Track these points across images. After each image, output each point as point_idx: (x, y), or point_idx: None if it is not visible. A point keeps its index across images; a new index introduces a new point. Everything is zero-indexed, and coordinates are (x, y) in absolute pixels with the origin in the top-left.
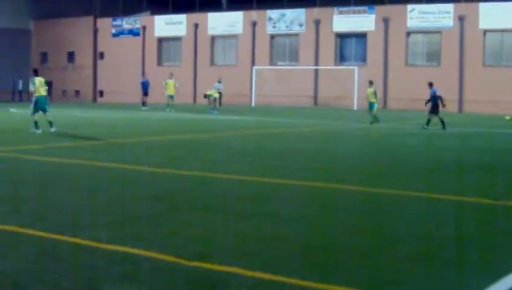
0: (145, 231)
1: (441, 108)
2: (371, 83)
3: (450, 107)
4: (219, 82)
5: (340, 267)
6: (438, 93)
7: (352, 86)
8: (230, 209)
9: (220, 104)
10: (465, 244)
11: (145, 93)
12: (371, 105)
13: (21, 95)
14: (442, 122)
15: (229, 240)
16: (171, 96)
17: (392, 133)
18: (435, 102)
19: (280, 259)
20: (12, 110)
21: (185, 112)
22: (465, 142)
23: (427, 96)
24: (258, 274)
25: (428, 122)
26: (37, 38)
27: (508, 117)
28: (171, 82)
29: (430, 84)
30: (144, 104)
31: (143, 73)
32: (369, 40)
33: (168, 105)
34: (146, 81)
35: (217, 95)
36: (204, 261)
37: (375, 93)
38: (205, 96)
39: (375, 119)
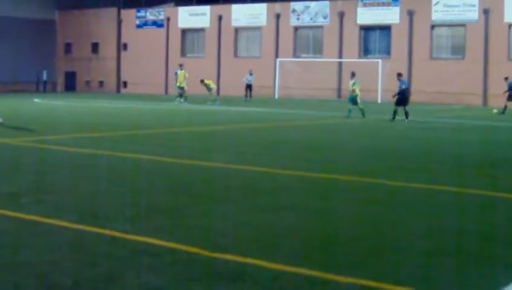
0: (167, 223)
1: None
2: (353, 74)
3: (474, 101)
4: (250, 74)
5: (363, 261)
6: (406, 86)
7: (376, 79)
8: (252, 201)
9: (251, 95)
10: (492, 240)
11: None
12: (353, 98)
13: (45, 86)
14: (397, 114)
15: (250, 232)
16: (181, 88)
17: (416, 126)
18: (403, 94)
19: (301, 251)
20: (36, 100)
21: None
22: (489, 136)
23: (450, 89)
24: (279, 266)
25: (394, 113)
26: (62, 29)
27: (495, 110)
28: (181, 73)
29: (399, 75)
30: (181, 95)
31: (166, 64)
32: (394, 32)
33: (181, 96)
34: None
35: (213, 86)
36: (226, 252)
37: (355, 85)
38: (202, 81)
39: (363, 113)
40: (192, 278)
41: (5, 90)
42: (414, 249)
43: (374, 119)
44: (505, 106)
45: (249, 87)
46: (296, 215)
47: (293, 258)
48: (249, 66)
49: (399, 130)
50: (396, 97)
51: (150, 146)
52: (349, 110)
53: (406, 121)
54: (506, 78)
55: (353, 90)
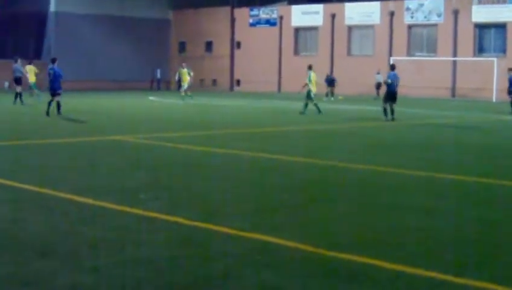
0: (283, 221)
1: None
2: (309, 67)
3: None
4: (378, 73)
5: (482, 262)
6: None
7: (491, 77)
8: (370, 200)
9: (378, 94)
10: None
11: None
12: (308, 93)
13: (159, 84)
14: (387, 111)
15: (368, 231)
16: (185, 86)
17: None
18: (391, 88)
19: (420, 252)
20: (151, 98)
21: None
22: None
23: None
24: (398, 267)
25: (384, 111)
26: (176, 28)
27: (341, 97)
28: (184, 72)
29: (392, 67)
30: (327, 94)
31: (279, 63)
32: (509, 30)
33: (184, 96)
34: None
35: (32, 80)
36: (344, 251)
37: (309, 80)
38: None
39: (304, 110)
40: (310, 276)
41: (121, 88)
42: None
43: (495, 118)
44: None
45: (379, 86)
46: (414, 215)
47: (412, 259)
48: (362, 65)
49: None
50: (385, 92)
51: (263, 144)
52: (306, 105)
53: (388, 118)
54: (510, 70)
55: (308, 84)
